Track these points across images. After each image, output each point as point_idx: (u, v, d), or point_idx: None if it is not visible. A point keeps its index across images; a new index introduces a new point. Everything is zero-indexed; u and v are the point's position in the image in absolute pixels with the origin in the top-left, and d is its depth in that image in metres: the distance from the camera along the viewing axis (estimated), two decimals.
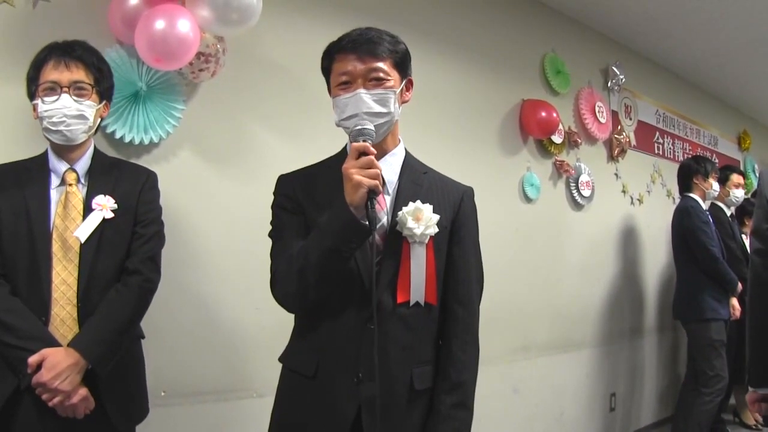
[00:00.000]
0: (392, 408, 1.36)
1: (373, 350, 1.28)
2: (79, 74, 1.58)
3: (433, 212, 1.38)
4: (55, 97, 1.55)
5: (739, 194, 4.03)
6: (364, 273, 1.34)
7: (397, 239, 1.37)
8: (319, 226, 1.34)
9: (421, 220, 1.35)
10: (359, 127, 1.32)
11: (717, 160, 4.77)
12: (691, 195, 3.69)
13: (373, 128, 1.33)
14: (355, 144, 1.30)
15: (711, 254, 3.47)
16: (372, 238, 1.29)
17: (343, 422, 1.35)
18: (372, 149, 1.29)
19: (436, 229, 1.38)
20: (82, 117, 1.57)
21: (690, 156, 4.45)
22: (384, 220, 1.39)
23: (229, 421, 2.16)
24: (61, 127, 1.55)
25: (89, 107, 1.59)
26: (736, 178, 4.05)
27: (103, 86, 1.65)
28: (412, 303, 1.38)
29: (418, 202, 1.37)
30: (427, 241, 1.38)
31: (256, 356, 2.18)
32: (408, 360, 1.39)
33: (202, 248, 2.14)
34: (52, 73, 1.56)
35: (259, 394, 2.13)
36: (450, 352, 1.42)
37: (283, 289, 1.39)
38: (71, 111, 1.55)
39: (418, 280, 1.37)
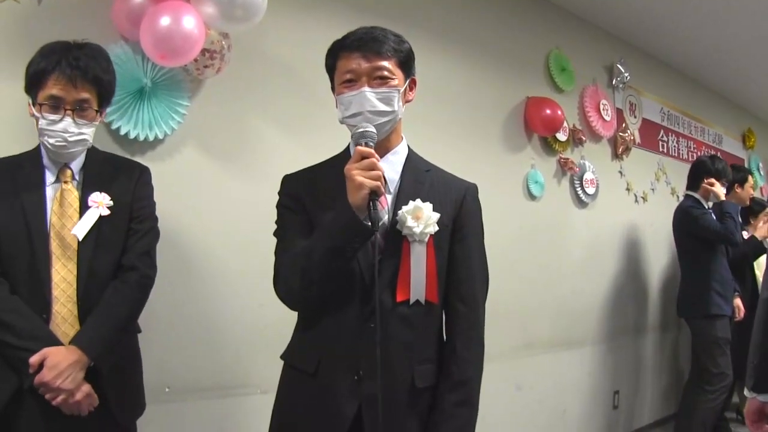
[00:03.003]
0: (393, 406, 1.36)
1: (373, 348, 1.28)
2: (84, 93, 1.52)
3: (435, 210, 1.38)
4: (57, 117, 1.50)
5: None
6: (366, 271, 1.35)
7: (397, 238, 1.38)
8: (322, 226, 1.36)
9: (421, 218, 1.36)
10: (361, 129, 1.33)
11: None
12: (694, 194, 3.68)
13: (374, 130, 1.34)
14: (358, 148, 1.32)
15: (717, 229, 3.45)
16: (375, 237, 1.31)
17: (343, 420, 1.35)
18: (374, 153, 1.31)
19: (436, 228, 1.38)
20: (82, 141, 1.54)
21: (704, 154, 4.37)
22: (385, 218, 1.40)
23: (233, 418, 2.17)
24: (61, 151, 1.53)
25: (91, 127, 1.55)
26: (752, 180, 4.05)
27: (106, 100, 1.60)
28: (412, 301, 1.38)
29: (418, 200, 1.37)
30: (426, 239, 1.38)
31: (260, 353, 2.18)
32: (409, 358, 1.39)
33: (206, 244, 2.14)
34: (55, 88, 1.49)
35: (263, 390, 2.13)
36: (453, 350, 1.42)
37: (285, 286, 1.40)
38: (72, 137, 1.51)
39: (418, 278, 1.38)
